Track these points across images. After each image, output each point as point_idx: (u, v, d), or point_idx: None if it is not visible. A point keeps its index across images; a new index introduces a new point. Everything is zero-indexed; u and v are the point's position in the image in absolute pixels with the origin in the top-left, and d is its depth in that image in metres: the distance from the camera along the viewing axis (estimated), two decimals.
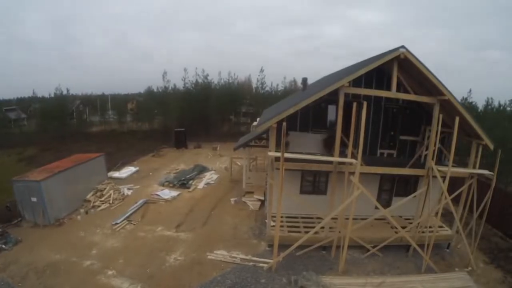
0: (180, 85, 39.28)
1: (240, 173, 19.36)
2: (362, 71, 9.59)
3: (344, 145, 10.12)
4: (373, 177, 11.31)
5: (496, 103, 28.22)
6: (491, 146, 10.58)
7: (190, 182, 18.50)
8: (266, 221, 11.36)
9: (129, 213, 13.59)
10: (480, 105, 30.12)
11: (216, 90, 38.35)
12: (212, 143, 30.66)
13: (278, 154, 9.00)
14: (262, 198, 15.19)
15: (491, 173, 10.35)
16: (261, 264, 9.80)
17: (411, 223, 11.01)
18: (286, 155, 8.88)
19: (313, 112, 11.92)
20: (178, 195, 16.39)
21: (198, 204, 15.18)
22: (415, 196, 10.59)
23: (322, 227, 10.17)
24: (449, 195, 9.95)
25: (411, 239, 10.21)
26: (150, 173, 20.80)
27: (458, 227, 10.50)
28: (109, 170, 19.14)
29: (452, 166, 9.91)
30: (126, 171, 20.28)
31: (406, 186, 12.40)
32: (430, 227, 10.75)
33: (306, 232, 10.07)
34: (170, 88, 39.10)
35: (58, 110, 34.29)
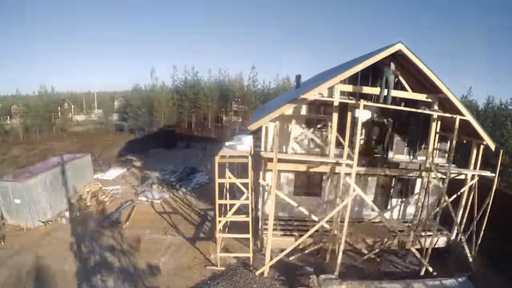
0: (168, 82, 39.83)
1: None
2: (357, 68, 9.78)
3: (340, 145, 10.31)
4: (369, 178, 11.48)
5: (497, 101, 28.74)
6: (493, 146, 10.77)
7: (180, 183, 18.68)
8: (259, 224, 11.55)
9: (116, 215, 13.78)
10: (481, 103, 30.65)
11: (206, 88, 38.76)
12: (202, 143, 30.82)
13: (271, 155, 9.16)
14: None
15: (493, 174, 10.51)
16: (253, 269, 9.96)
17: (409, 226, 11.19)
18: (280, 155, 9.05)
19: None
20: (167, 196, 16.58)
21: (187, 206, 15.35)
22: (413, 198, 10.77)
23: (317, 231, 10.34)
24: (449, 197, 10.11)
25: (409, 242, 10.41)
26: (138, 174, 20.92)
27: (458, 230, 10.70)
28: (95, 170, 19.33)
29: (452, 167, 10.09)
30: (113, 172, 20.41)
31: (404, 188, 12.59)
32: (429, 230, 10.95)
33: (300, 236, 10.25)
34: (158, 85, 39.48)
35: (43, 108, 34.35)
